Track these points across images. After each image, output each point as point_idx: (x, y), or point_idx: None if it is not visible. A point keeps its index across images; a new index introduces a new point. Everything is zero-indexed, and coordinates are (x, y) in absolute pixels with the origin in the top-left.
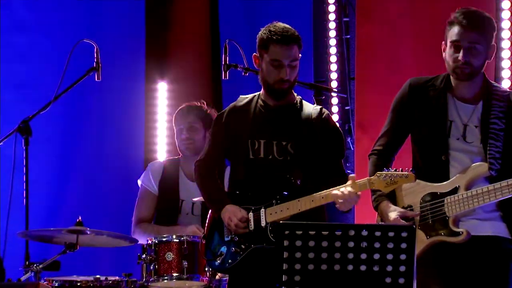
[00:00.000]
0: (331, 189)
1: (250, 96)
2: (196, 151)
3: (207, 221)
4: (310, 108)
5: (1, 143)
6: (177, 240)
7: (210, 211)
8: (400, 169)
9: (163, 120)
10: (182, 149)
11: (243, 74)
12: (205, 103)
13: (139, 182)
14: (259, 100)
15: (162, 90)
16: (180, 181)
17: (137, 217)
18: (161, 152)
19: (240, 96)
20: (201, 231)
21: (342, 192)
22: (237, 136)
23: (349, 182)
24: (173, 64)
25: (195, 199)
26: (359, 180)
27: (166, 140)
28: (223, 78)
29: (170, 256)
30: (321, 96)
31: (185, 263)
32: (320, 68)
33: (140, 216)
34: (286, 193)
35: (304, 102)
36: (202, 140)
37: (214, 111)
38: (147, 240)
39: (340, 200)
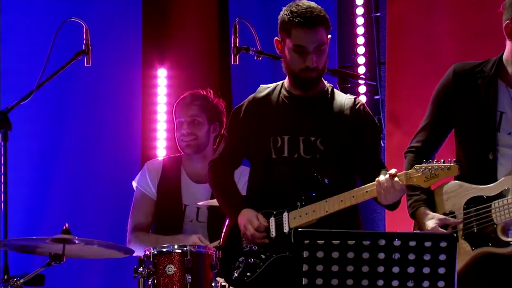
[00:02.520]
0: (366, 185)
1: (272, 85)
2: (198, 149)
3: (224, 228)
4: (342, 98)
5: None
6: (180, 251)
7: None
8: (442, 160)
9: (163, 112)
10: (182, 146)
11: (255, 58)
12: (211, 92)
13: (134, 184)
14: (283, 90)
15: (161, 77)
16: (183, 183)
17: (132, 225)
18: (161, 149)
19: (261, 86)
20: (204, 242)
21: (379, 180)
22: (257, 132)
23: (391, 170)
24: (175, 47)
25: (200, 203)
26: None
27: (166, 135)
28: (232, 63)
29: (171, 269)
30: (346, 84)
31: (188, 278)
32: (345, 51)
33: (136, 223)
34: (312, 193)
35: (335, 91)
36: (205, 136)
37: (222, 101)
38: (145, 251)
39: (382, 189)
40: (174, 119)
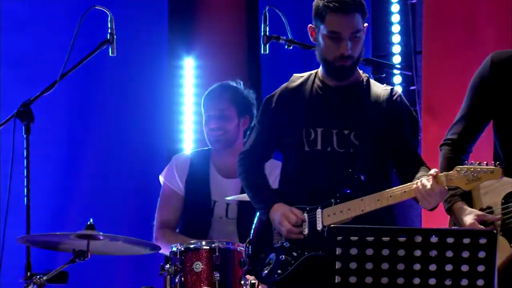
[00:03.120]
0: (405, 185)
1: (305, 74)
2: (228, 143)
3: (254, 224)
4: (378, 89)
5: None
6: (208, 247)
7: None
8: (485, 162)
9: (190, 103)
10: (211, 140)
11: (286, 47)
12: (241, 83)
13: (161, 178)
14: (317, 80)
15: (188, 67)
16: (211, 178)
17: (159, 221)
18: (188, 142)
19: (294, 75)
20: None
21: (423, 184)
22: (290, 123)
23: (432, 171)
24: (202, 36)
25: (229, 199)
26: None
27: (194, 127)
28: (262, 52)
29: (199, 266)
30: (380, 74)
31: (216, 275)
32: (380, 40)
33: (163, 220)
34: (347, 190)
35: (371, 81)
36: (235, 130)
37: (252, 92)
38: (172, 247)
39: (421, 195)
40: (203, 112)
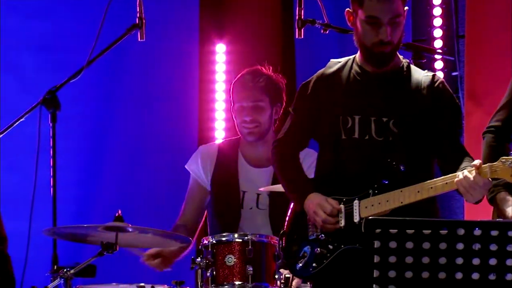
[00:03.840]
0: (446, 176)
1: (343, 60)
2: (261, 135)
3: (288, 214)
4: (419, 75)
5: (23, 119)
6: (240, 240)
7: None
8: None
9: (221, 90)
10: (243, 133)
11: (322, 32)
12: (270, 68)
13: (187, 168)
14: (355, 66)
15: (220, 52)
16: (240, 167)
17: (179, 215)
18: (219, 130)
19: (331, 60)
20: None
21: (465, 176)
22: (326, 111)
23: (475, 162)
24: (234, 20)
25: (261, 189)
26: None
27: (225, 116)
28: (296, 37)
29: (231, 260)
30: (421, 59)
31: (249, 269)
32: (420, 23)
33: (182, 219)
34: (386, 181)
35: (412, 67)
36: (268, 121)
37: (281, 77)
38: (203, 240)
39: (464, 187)
40: (232, 101)
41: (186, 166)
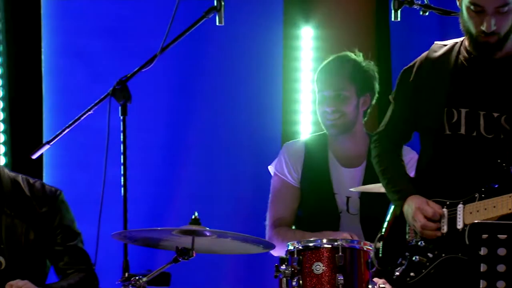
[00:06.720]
0: None
1: (449, 43)
2: (345, 128)
3: (387, 218)
4: None
5: (91, 111)
6: (329, 246)
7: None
8: None
9: (307, 80)
10: (326, 124)
11: (421, 13)
12: (360, 54)
13: (271, 169)
14: (462, 50)
15: (306, 38)
16: (331, 167)
17: (272, 219)
18: (305, 124)
19: (435, 42)
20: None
21: None
22: (429, 101)
23: None
24: (322, 2)
25: (351, 190)
26: None
27: (312, 108)
28: (392, 19)
29: (319, 267)
30: None
31: (340, 278)
32: None
33: (277, 217)
34: (495, 184)
35: None
36: (354, 113)
37: (373, 64)
38: (288, 246)
39: None
40: (316, 90)
41: (270, 166)
